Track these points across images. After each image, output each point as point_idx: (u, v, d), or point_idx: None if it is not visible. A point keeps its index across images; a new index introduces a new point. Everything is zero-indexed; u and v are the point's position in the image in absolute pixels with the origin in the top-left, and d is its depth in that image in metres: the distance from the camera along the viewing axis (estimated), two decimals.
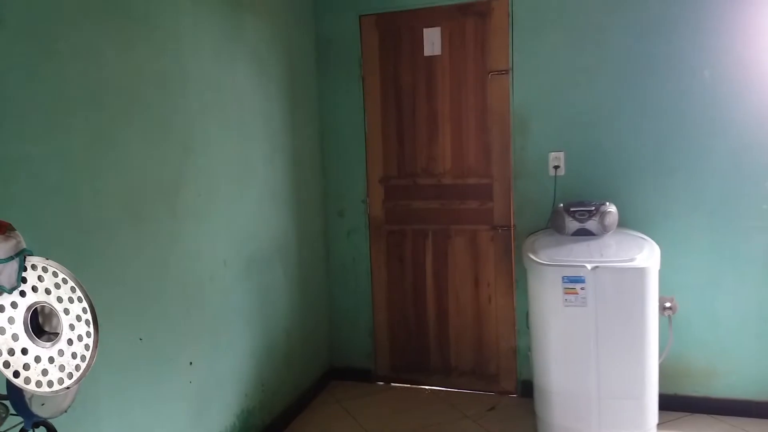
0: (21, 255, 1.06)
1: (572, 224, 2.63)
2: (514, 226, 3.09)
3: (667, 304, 2.65)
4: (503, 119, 3.08)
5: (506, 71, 3.04)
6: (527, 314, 2.77)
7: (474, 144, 3.14)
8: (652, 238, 2.68)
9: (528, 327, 2.75)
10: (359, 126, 3.31)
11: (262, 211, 2.75)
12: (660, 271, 2.49)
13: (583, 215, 2.62)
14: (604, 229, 2.61)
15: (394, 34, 3.23)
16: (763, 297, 2.71)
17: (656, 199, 2.83)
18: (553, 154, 2.98)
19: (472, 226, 3.17)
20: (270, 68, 2.85)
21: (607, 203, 2.66)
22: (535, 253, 2.59)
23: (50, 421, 1.17)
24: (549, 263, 2.46)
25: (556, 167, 2.97)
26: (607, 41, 2.85)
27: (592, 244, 2.57)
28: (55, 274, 1.16)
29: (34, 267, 1.12)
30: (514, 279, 3.11)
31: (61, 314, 1.13)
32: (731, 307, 2.76)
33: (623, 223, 2.78)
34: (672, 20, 2.74)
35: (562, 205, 2.72)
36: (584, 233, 2.63)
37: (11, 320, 1.05)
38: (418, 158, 3.24)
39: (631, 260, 2.39)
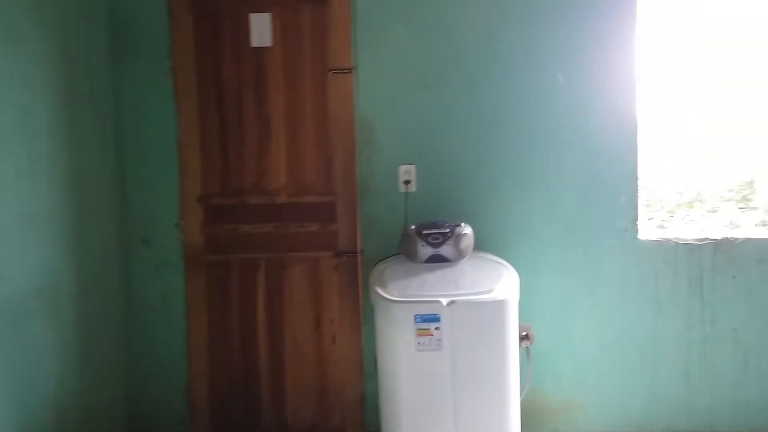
0: None
1: (425, 250, 2.22)
2: (361, 251, 2.62)
3: (524, 333, 2.34)
4: (347, 126, 2.61)
5: (349, 70, 2.58)
6: (375, 356, 2.29)
7: (313, 154, 2.63)
8: (509, 261, 2.38)
9: (376, 371, 2.28)
10: (170, 130, 2.63)
11: (10, 244, 1.95)
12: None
13: (437, 239, 2.23)
14: (460, 255, 2.24)
15: (214, 19, 2.62)
16: (619, 322, 2.53)
17: (511, 216, 2.55)
18: (403, 168, 2.57)
19: (313, 253, 2.64)
20: (31, 47, 2.07)
21: (462, 224, 2.30)
22: (383, 286, 2.13)
23: None
24: (399, 299, 2.02)
25: (407, 182, 2.57)
26: (457, 40, 2.54)
27: (447, 273, 2.18)
28: None
29: None
30: (362, 314, 2.63)
31: None
32: (588, 334, 2.55)
33: (480, 246, 2.44)
34: (528, 16, 2.49)
35: (413, 227, 2.30)
36: (438, 260, 2.23)
37: None
38: (246, 172, 2.64)
39: (489, 291, 2.03)
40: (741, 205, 2.52)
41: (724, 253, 2.43)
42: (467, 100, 2.54)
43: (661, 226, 2.59)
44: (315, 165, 2.64)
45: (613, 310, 2.53)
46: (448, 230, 2.23)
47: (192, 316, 2.70)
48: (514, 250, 2.52)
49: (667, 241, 2.49)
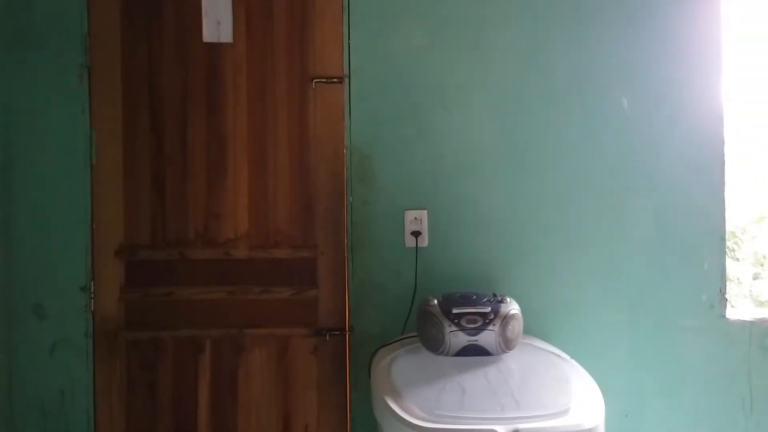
0: None
1: (456, 338, 1.50)
2: (350, 329, 1.86)
3: None
4: (335, 156, 1.88)
5: (340, 79, 1.87)
6: None
7: (287, 193, 1.89)
8: (570, 354, 1.68)
9: None
10: (80, 152, 1.85)
11: None
12: None
13: (474, 322, 1.50)
14: (507, 346, 1.52)
15: (151, 3, 1.87)
16: (703, 429, 1.85)
17: (558, 287, 1.88)
18: (411, 214, 1.86)
19: (282, 330, 1.88)
20: None
21: (507, 299, 1.58)
22: (396, 395, 1.38)
23: None
24: (429, 426, 1.26)
25: (416, 234, 1.85)
26: (487, 44, 1.88)
27: (492, 376, 1.46)
28: None
29: None
30: (349, 418, 1.85)
31: None
32: None
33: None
34: (580, 21, 1.86)
35: (436, 301, 1.57)
36: (475, 352, 1.51)
37: None
38: (190, 214, 1.87)
39: (565, 411, 1.31)
40: None
41: None
42: (498, 127, 1.87)
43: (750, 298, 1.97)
44: (289, 207, 1.89)
45: (694, 414, 1.86)
46: (489, 309, 1.51)
47: (102, 420, 1.85)
48: (563, 334, 1.83)
49: (763, 321, 1.85)
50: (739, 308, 1.95)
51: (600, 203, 1.87)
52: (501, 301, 1.57)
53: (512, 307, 1.56)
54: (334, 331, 1.89)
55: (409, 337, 1.71)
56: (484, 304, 1.55)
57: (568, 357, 1.63)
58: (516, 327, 1.54)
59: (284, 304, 1.89)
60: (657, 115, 1.86)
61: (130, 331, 1.88)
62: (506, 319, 1.53)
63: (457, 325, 1.51)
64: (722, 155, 1.86)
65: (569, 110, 1.87)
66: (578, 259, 1.88)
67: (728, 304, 1.87)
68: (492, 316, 1.52)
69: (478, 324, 1.51)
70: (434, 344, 1.53)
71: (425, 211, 1.88)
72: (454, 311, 1.53)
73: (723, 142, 1.86)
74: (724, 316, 1.86)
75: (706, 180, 1.86)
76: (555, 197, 1.88)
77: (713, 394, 1.86)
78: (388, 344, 1.72)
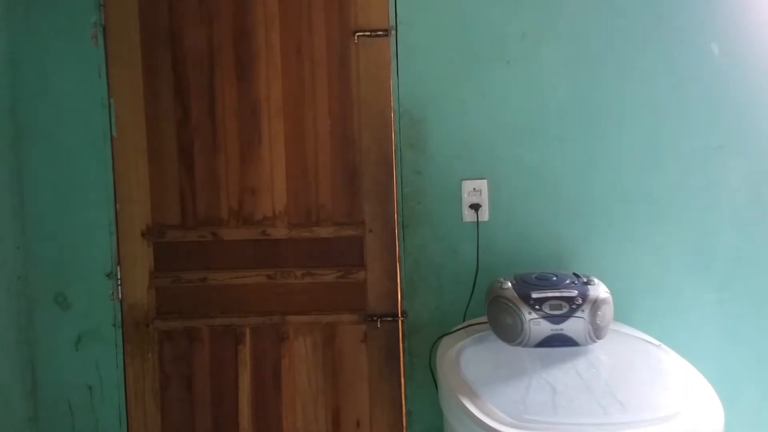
0: None
1: (539, 326, 1.29)
2: (403, 315, 1.67)
3: None
4: (382, 120, 1.66)
5: (386, 32, 1.64)
6: None
7: (329, 163, 1.67)
8: (655, 338, 1.46)
9: None
10: (98, 125, 1.65)
11: None
12: None
13: (559, 307, 1.29)
14: (597, 335, 1.30)
15: None
16: None
17: (638, 264, 1.66)
18: (469, 184, 1.64)
19: (328, 316, 1.69)
20: None
21: (594, 280, 1.36)
22: (472, 395, 1.18)
23: None
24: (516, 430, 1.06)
25: (476, 207, 1.63)
26: None
27: (583, 370, 1.25)
28: None
29: None
30: (405, 412, 1.67)
31: None
32: None
33: None
34: None
35: (510, 284, 1.36)
36: (561, 342, 1.30)
37: None
38: (222, 190, 1.67)
39: (675, 416, 1.10)
40: None
41: None
42: (569, 83, 1.64)
43: None
44: (331, 180, 1.68)
45: None
46: (575, 293, 1.30)
47: (134, 418, 1.69)
48: (645, 316, 1.61)
49: None
50: None
51: (686, 167, 1.63)
52: (588, 283, 1.36)
53: (602, 290, 1.35)
54: (385, 317, 1.69)
55: (474, 324, 1.50)
56: (568, 287, 1.33)
57: (659, 343, 1.41)
58: (608, 313, 1.33)
59: (329, 288, 1.70)
60: (752, 63, 1.60)
61: (162, 321, 1.70)
62: (596, 304, 1.32)
63: (539, 311, 1.30)
64: None
65: (652, 61, 1.62)
66: (661, 231, 1.65)
67: None
68: (580, 301, 1.31)
69: (564, 310, 1.30)
70: (511, 334, 1.33)
71: (485, 181, 1.66)
72: (534, 296, 1.32)
73: None
74: None
75: None
76: (634, 162, 1.64)
77: None
78: (451, 332, 1.52)
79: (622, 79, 1.63)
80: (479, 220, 1.65)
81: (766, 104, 1.61)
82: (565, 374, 1.23)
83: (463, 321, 1.59)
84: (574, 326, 1.30)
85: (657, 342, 1.44)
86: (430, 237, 1.67)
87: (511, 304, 1.33)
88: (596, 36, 1.63)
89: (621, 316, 1.58)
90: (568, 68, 1.64)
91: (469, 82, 1.66)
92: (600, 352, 1.31)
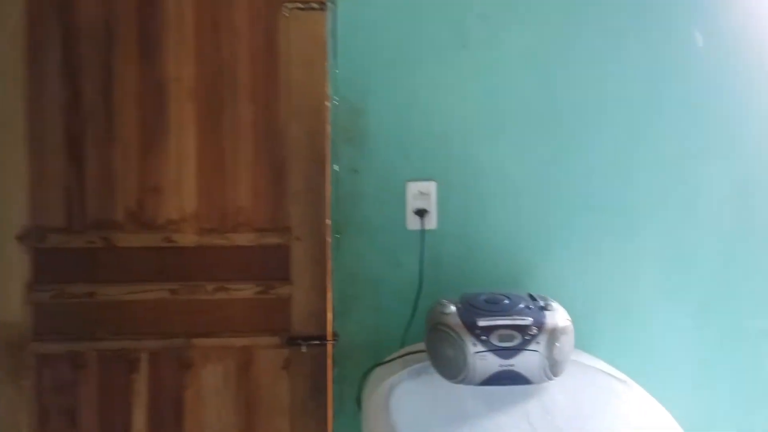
0: None
1: (485, 361, 1.05)
2: (334, 337, 1.41)
3: None
4: (315, 108, 1.41)
5: (322, 5, 1.39)
6: None
7: (251, 159, 1.41)
8: (622, 370, 1.23)
9: None
10: None
11: None
12: None
13: (510, 338, 1.05)
14: (554, 371, 1.06)
15: None
16: None
17: (606, 282, 1.43)
18: (415, 186, 1.39)
19: (244, 339, 1.42)
20: None
21: (552, 304, 1.12)
22: None
23: None
24: None
25: (422, 213, 1.38)
26: None
27: (535, 413, 1.02)
28: None
29: None
30: None
31: None
32: None
33: None
34: None
35: (454, 308, 1.11)
36: (511, 380, 1.05)
37: None
38: (118, 188, 1.39)
39: None
40: None
41: None
42: (535, 73, 1.42)
43: None
44: (252, 178, 1.42)
45: None
46: (530, 320, 1.06)
47: None
48: (611, 345, 1.39)
49: None
50: None
51: (664, 174, 1.42)
52: (545, 308, 1.12)
53: (561, 317, 1.11)
54: (312, 340, 1.43)
55: (413, 353, 1.25)
56: (522, 313, 1.09)
57: (625, 378, 1.18)
58: (567, 345, 1.09)
59: (246, 306, 1.43)
60: (738, 59, 1.40)
61: (40, 343, 1.41)
62: (554, 334, 1.08)
63: (486, 343, 1.06)
64: None
65: (631, 54, 1.41)
66: (632, 246, 1.44)
67: None
68: (535, 331, 1.07)
69: (516, 342, 1.06)
70: (452, 369, 1.08)
71: (434, 184, 1.42)
72: (482, 323, 1.08)
73: None
74: None
75: None
76: (606, 166, 1.43)
77: None
78: (386, 362, 1.27)
79: (596, 73, 1.41)
80: (425, 227, 1.41)
81: (753, 104, 1.40)
82: (513, 419, 0.98)
83: (402, 347, 1.33)
84: (527, 361, 1.06)
85: (623, 377, 1.21)
86: (368, 246, 1.42)
87: (453, 334, 1.08)
88: (568, 22, 1.41)
89: (583, 343, 1.35)
90: (535, 57, 1.42)
91: (420, 69, 1.42)
92: (556, 390, 1.08)
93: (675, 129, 1.42)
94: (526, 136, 1.43)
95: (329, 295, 1.43)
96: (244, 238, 1.42)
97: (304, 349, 1.43)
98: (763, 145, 1.41)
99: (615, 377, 1.21)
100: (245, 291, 1.43)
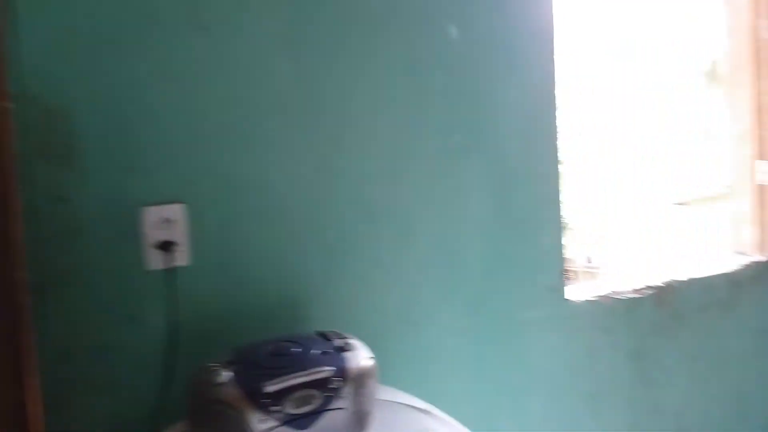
0: None
1: None
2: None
3: None
4: None
5: None
6: None
7: None
8: (411, 384, 1.14)
9: None
10: None
11: None
12: None
13: (308, 400, 0.82)
14: (363, 425, 0.87)
15: None
16: None
17: (389, 296, 1.33)
18: (155, 212, 1.05)
19: None
20: None
21: (350, 341, 0.94)
22: None
23: None
24: None
25: (167, 246, 1.05)
26: None
27: None
28: None
29: None
30: None
31: None
32: None
33: None
34: None
35: (228, 373, 0.82)
36: None
37: None
38: None
39: None
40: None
41: (667, 306, 1.69)
42: (292, 65, 1.20)
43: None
44: None
45: (542, 418, 1.53)
46: (330, 370, 0.84)
47: None
48: (396, 362, 1.28)
49: (604, 299, 1.61)
50: (575, 286, 1.68)
51: (432, 173, 1.35)
52: (343, 348, 0.91)
53: (363, 356, 0.92)
54: None
55: None
56: (318, 362, 0.87)
57: (426, 407, 1.07)
58: (373, 388, 0.90)
59: None
60: (490, 54, 1.41)
61: None
62: (360, 380, 0.88)
63: (278, 414, 0.79)
64: (554, 107, 1.52)
65: (390, 45, 1.29)
66: (410, 254, 1.34)
67: (567, 285, 1.57)
68: (337, 383, 0.85)
69: (316, 403, 0.82)
70: None
71: (180, 206, 1.09)
72: (269, 389, 0.81)
73: (554, 97, 1.52)
74: (565, 299, 1.55)
75: (540, 136, 1.50)
76: (378, 170, 1.29)
77: (560, 394, 1.55)
78: None
79: (357, 65, 1.25)
80: (174, 265, 1.07)
81: (504, 101, 1.42)
82: None
83: None
84: (331, 425, 0.83)
85: (424, 405, 1.08)
86: (90, 303, 1.02)
87: (231, 411, 0.79)
88: (324, 5, 1.21)
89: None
90: (293, 46, 1.19)
91: (146, 55, 1.06)
92: None
93: (437, 125, 1.36)
94: (289, 141, 1.21)
95: (33, 382, 0.97)
96: None
97: None
98: (516, 138, 1.45)
99: (416, 407, 1.07)
100: None
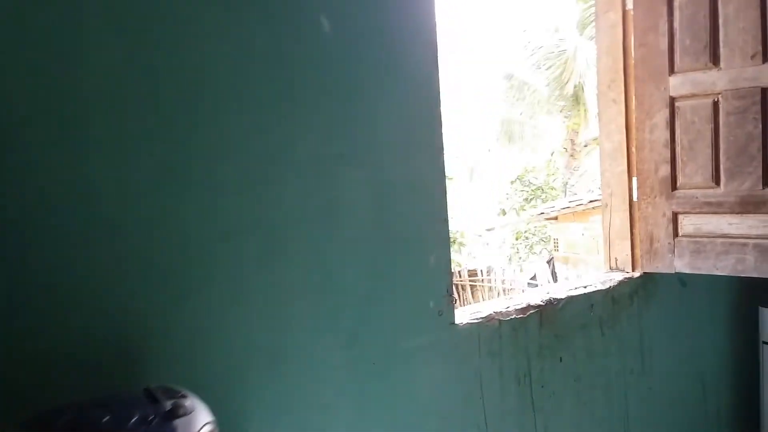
0: None
1: None
2: None
3: None
4: None
5: None
6: None
7: None
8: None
9: None
10: None
11: None
12: None
13: None
14: None
15: None
16: None
17: (260, 327, 1.10)
18: None
19: None
20: None
21: (187, 401, 0.71)
22: None
23: None
24: None
25: None
26: None
27: None
28: None
29: None
30: None
31: None
32: None
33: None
34: None
35: None
36: None
37: None
38: None
39: None
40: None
41: (550, 326, 1.63)
42: (120, 54, 0.94)
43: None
44: None
45: None
46: None
47: None
48: (269, 403, 1.07)
49: (490, 320, 1.51)
50: (460, 309, 1.56)
51: (304, 181, 1.16)
52: (173, 413, 0.69)
53: (199, 421, 0.69)
54: None
55: None
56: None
57: None
58: None
59: None
60: (368, 52, 1.25)
61: None
62: None
63: None
64: (440, 113, 1.40)
65: (249, 32, 1.08)
66: (279, 276, 1.13)
67: (453, 307, 1.44)
68: None
69: None
70: None
71: None
72: None
73: (439, 102, 1.40)
74: (453, 323, 1.43)
75: (424, 145, 1.37)
76: (238, 177, 1.07)
77: (452, 430, 1.42)
78: None
79: (207, 49, 1.02)
80: None
81: (385, 100, 1.27)
82: None
83: None
84: None
85: None
86: None
87: None
88: None
89: (235, 410, 0.97)
90: (120, 20, 0.93)
91: None
92: None
93: (309, 126, 1.17)
94: (119, 138, 0.95)
95: None
96: None
97: None
98: (398, 146, 1.30)
99: None
100: None
